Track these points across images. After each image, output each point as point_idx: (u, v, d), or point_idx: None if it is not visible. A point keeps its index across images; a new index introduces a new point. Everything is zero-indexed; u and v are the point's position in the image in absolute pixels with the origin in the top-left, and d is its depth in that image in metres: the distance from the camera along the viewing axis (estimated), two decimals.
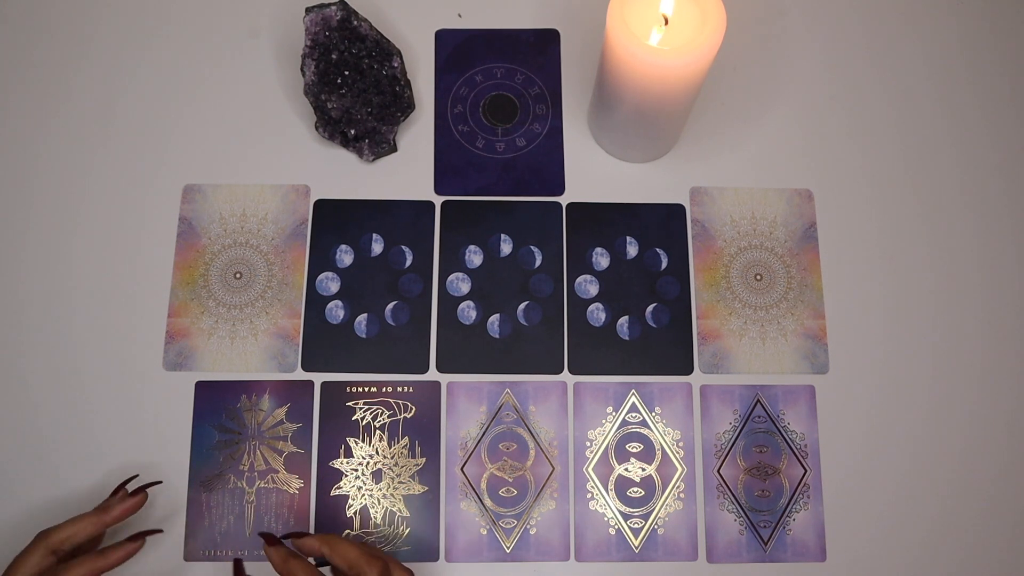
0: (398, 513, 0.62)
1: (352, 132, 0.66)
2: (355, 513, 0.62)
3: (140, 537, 0.56)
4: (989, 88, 0.71)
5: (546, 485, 0.63)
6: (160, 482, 0.61)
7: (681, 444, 0.64)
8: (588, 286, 0.66)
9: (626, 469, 0.63)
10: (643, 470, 0.63)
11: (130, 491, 0.58)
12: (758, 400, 0.64)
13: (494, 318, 0.66)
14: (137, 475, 0.61)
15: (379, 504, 0.62)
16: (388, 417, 0.64)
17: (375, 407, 0.64)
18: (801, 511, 0.63)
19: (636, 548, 0.62)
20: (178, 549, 0.61)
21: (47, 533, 0.54)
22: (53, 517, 0.61)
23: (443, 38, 0.72)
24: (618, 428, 0.64)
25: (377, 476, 0.63)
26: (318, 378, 0.64)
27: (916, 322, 0.66)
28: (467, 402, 0.64)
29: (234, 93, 0.70)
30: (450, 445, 0.63)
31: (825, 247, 0.67)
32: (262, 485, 0.62)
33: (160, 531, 0.59)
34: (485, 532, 0.62)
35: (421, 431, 0.63)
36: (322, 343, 0.65)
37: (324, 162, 0.68)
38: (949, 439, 0.64)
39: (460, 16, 0.72)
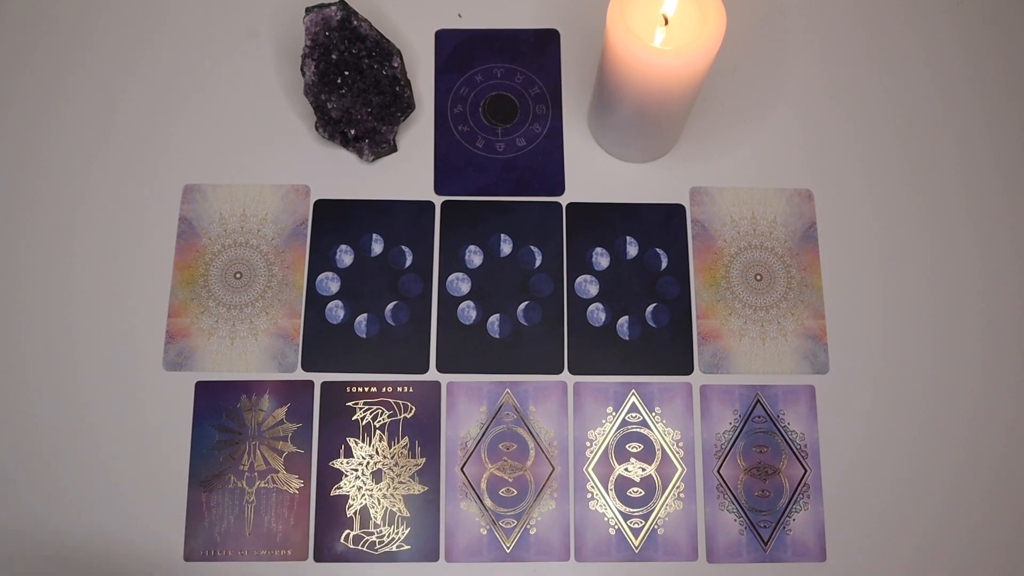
0: (398, 513, 0.62)
1: (352, 132, 0.66)
2: (355, 513, 0.62)
3: None
4: (989, 88, 0.71)
5: (546, 485, 0.63)
6: None
7: (681, 444, 0.64)
8: (588, 286, 0.66)
9: (626, 469, 0.63)
10: (643, 470, 0.63)
11: None
12: (758, 400, 0.64)
13: (494, 318, 0.66)
14: None
15: (379, 504, 0.62)
16: (388, 417, 0.64)
17: (375, 407, 0.64)
18: (801, 511, 0.63)
19: (636, 548, 0.62)
20: (178, 549, 0.61)
21: None
22: (53, 516, 0.61)
23: (443, 38, 0.72)
24: (618, 428, 0.64)
25: (377, 476, 0.63)
26: (318, 378, 0.64)
27: (916, 322, 0.66)
28: (467, 402, 0.64)
29: (234, 93, 0.70)
30: (450, 445, 0.63)
31: (825, 247, 0.67)
32: (262, 485, 0.62)
33: None
34: (485, 532, 0.62)
35: (421, 431, 0.63)
36: (322, 343, 0.65)
37: (324, 162, 0.68)
38: (949, 439, 0.64)
39: (460, 16, 0.72)
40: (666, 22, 0.58)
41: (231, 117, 0.69)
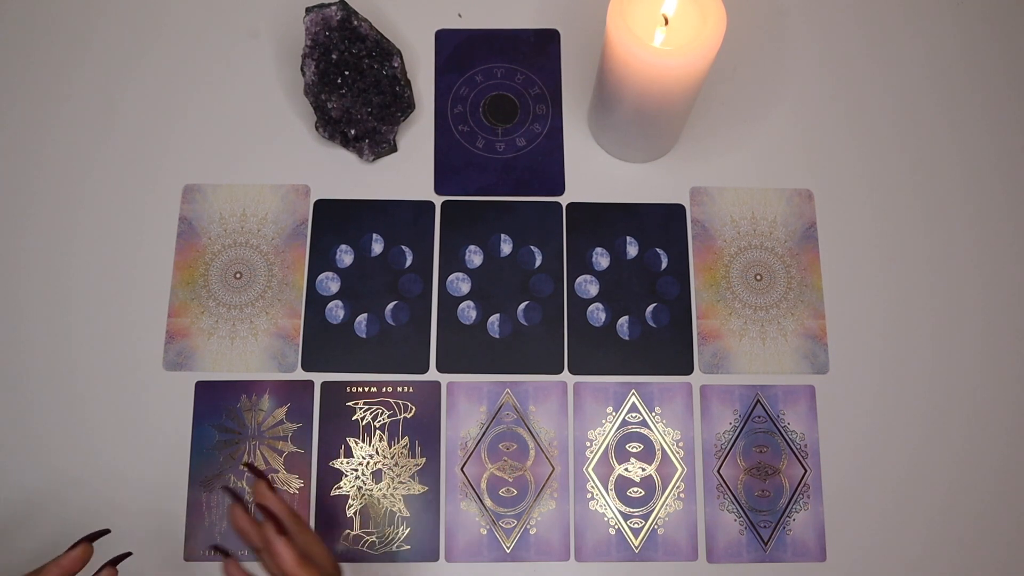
0: (398, 513, 0.62)
1: (352, 132, 0.66)
2: (355, 513, 0.62)
3: (84, 543, 0.52)
4: (989, 88, 0.71)
5: (546, 485, 0.63)
6: (129, 554, 0.54)
7: (681, 444, 0.64)
8: (588, 286, 0.66)
9: (626, 469, 0.63)
10: (643, 470, 0.63)
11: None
12: (758, 400, 0.64)
13: (494, 318, 0.66)
14: (106, 531, 0.54)
15: (379, 504, 0.62)
16: (388, 417, 0.64)
17: (375, 407, 0.64)
18: (801, 511, 0.63)
19: (636, 548, 0.62)
20: (178, 549, 0.61)
21: None
22: (53, 516, 0.61)
23: (443, 38, 0.72)
24: (618, 428, 0.64)
25: (377, 476, 0.63)
26: (318, 378, 0.64)
27: (916, 322, 0.66)
28: (467, 402, 0.64)
29: (234, 93, 0.70)
30: (450, 445, 0.63)
31: (825, 247, 0.67)
32: None
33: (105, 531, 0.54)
34: (485, 532, 0.62)
35: (421, 431, 0.63)
36: (322, 343, 0.65)
37: (324, 162, 0.68)
38: (949, 439, 0.64)
39: (460, 16, 0.72)
40: (666, 22, 0.58)
41: (231, 117, 0.69)
